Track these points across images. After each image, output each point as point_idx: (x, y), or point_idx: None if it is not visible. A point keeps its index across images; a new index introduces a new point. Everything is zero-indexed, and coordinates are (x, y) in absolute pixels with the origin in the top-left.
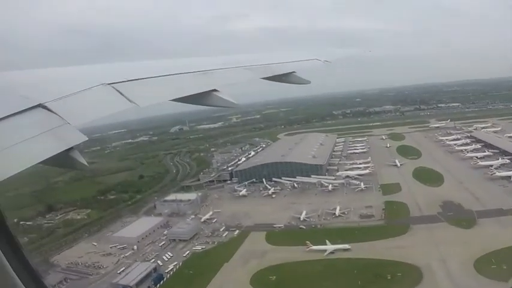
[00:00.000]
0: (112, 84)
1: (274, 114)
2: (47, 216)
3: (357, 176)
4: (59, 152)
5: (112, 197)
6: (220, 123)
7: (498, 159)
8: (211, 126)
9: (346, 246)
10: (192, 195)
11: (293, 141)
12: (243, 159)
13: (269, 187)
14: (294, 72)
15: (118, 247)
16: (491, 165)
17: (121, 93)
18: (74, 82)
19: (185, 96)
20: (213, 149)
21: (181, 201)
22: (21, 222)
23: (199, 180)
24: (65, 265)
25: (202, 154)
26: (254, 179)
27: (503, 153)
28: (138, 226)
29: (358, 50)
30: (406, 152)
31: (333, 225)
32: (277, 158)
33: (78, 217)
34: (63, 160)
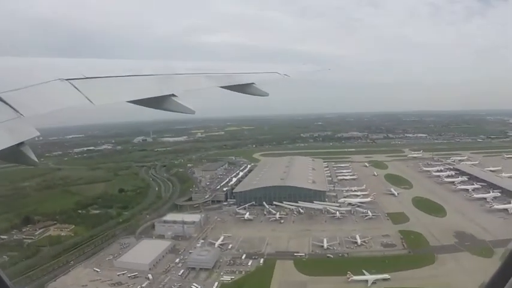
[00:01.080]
0: (70, 80)
1: (238, 132)
2: (23, 230)
3: (360, 204)
4: (9, 145)
5: (95, 211)
6: (184, 136)
7: (490, 192)
8: (176, 139)
9: (386, 276)
10: (194, 217)
11: (280, 163)
12: (234, 179)
13: (273, 211)
14: (253, 83)
15: (128, 275)
16: (485, 198)
17: (78, 90)
18: (31, 74)
19: (142, 99)
20: (189, 165)
21: (184, 222)
22: None
23: (191, 199)
24: None
25: (180, 170)
26: (254, 202)
27: (491, 186)
28: (143, 250)
29: (317, 67)
30: (396, 181)
31: (359, 254)
32: (277, 181)
33: (63, 234)
34: (13, 155)
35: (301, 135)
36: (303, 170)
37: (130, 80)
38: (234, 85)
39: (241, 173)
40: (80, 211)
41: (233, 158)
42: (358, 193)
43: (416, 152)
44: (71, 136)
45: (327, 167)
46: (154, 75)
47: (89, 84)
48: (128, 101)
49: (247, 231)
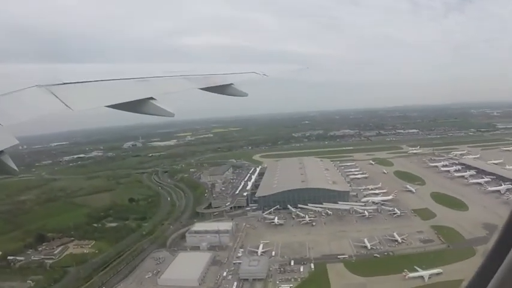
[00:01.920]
0: (47, 86)
1: (227, 134)
2: (40, 249)
3: (383, 202)
4: None
5: (111, 224)
6: (173, 140)
7: (501, 185)
8: (166, 143)
9: (439, 270)
10: (225, 225)
11: (291, 165)
12: (249, 184)
13: (302, 214)
14: (232, 84)
15: None
16: (499, 190)
17: (56, 96)
18: (7, 81)
19: (121, 103)
20: (192, 170)
21: (217, 231)
22: (9, 257)
23: (211, 206)
24: None
25: (185, 175)
26: (278, 206)
27: (500, 178)
28: (184, 264)
29: (295, 66)
30: (408, 178)
31: (402, 252)
32: (299, 184)
33: (85, 251)
34: None
35: (293, 134)
36: (318, 171)
37: (108, 84)
38: (213, 86)
39: (253, 177)
40: (95, 225)
41: (234, 160)
42: (377, 191)
43: (415, 148)
44: (55, 144)
45: (334, 166)
46: (133, 78)
47: (67, 90)
48: (106, 106)
49: (282, 236)
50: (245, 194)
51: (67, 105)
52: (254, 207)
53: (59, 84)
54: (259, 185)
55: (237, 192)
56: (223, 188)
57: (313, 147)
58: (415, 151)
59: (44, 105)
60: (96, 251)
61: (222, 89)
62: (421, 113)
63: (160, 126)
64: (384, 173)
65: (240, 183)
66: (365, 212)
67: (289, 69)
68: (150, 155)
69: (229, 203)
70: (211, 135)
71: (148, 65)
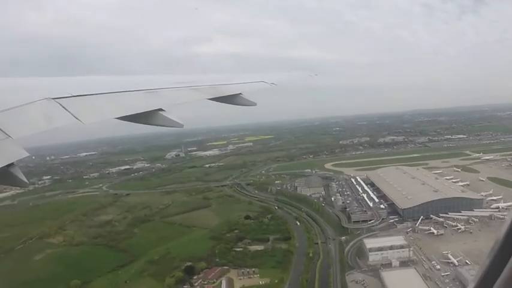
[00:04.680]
0: (57, 99)
1: (266, 142)
2: (195, 284)
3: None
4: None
5: (255, 247)
6: (214, 150)
7: None
8: (210, 153)
9: None
10: (398, 239)
11: (396, 175)
12: (373, 195)
13: (453, 223)
14: (240, 94)
15: None
16: None
17: (65, 109)
18: (17, 95)
19: (131, 115)
20: (277, 182)
21: (401, 246)
22: None
23: (351, 220)
24: None
25: (276, 188)
26: (422, 216)
27: None
28: (403, 284)
29: (303, 73)
30: (510, 185)
31: None
32: (434, 194)
33: (261, 282)
34: (2, 176)
35: (341, 142)
36: (434, 181)
37: (117, 96)
38: (222, 96)
39: (366, 188)
40: (236, 249)
41: (309, 170)
42: (495, 197)
43: (487, 154)
44: (83, 154)
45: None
46: (142, 90)
47: (76, 102)
48: (116, 118)
49: (454, 245)
50: (382, 206)
51: (77, 118)
52: (395, 219)
53: (68, 97)
54: (376, 196)
55: (371, 205)
56: (348, 201)
57: (377, 154)
58: (487, 157)
59: (53, 118)
60: (276, 281)
61: (230, 99)
62: (448, 117)
63: (170, 135)
64: (481, 180)
65: (359, 196)
66: (505, 217)
67: (298, 76)
68: (208, 165)
69: (370, 216)
70: (251, 143)
71: (157, 77)
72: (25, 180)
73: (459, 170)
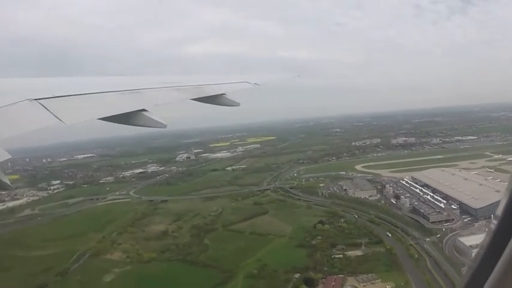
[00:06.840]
0: (39, 100)
1: (274, 144)
2: None
3: None
4: None
5: (355, 252)
6: (223, 152)
7: None
8: (222, 155)
9: None
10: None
11: (445, 176)
12: (436, 196)
13: None
14: (224, 94)
15: None
16: None
17: (47, 109)
18: None
19: (114, 116)
20: (321, 185)
21: None
22: None
23: (429, 221)
24: None
25: (325, 191)
26: (492, 215)
27: None
28: None
29: (288, 75)
30: None
31: None
32: (498, 194)
33: (388, 287)
34: None
35: (353, 143)
36: (486, 181)
37: (100, 96)
38: (205, 97)
39: (424, 190)
40: (336, 256)
41: (344, 173)
42: None
43: (508, 155)
44: (81, 156)
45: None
46: (125, 90)
47: (59, 103)
48: (99, 118)
49: None
50: (454, 206)
51: (59, 119)
52: (469, 219)
53: (50, 97)
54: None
55: (442, 206)
56: (415, 204)
57: (400, 156)
58: (511, 158)
59: (35, 119)
60: (402, 283)
61: (214, 99)
62: (443, 117)
63: (164, 136)
64: None
65: (422, 197)
66: None
67: (280, 78)
68: (229, 168)
69: (447, 216)
70: (258, 145)
71: (142, 78)
72: (8, 182)
73: (492, 170)
